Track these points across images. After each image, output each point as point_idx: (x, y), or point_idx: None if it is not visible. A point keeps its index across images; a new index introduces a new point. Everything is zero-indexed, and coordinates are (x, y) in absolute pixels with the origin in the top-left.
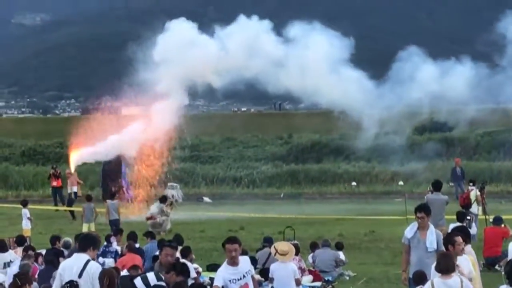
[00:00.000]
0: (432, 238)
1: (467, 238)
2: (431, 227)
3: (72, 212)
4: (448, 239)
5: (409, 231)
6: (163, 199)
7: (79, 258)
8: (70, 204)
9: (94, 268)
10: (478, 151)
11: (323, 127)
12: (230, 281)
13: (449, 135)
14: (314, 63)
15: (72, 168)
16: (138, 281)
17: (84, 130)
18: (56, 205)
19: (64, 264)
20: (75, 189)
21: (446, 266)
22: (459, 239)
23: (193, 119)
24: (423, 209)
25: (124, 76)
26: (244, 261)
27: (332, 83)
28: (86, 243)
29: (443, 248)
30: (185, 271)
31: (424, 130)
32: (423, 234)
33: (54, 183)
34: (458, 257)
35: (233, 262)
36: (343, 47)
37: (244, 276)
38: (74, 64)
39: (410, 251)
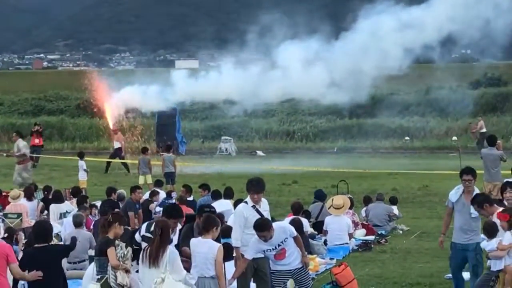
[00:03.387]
0: None
1: None
2: (477, 190)
3: (125, 165)
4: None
5: (454, 194)
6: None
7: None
8: (113, 157)
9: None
10: None
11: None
12: (264, 251)
13: (505, 90)
14: None
15: (111, 124)
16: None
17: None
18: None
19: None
20: (118, 145)
21: None
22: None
23: None
24: (471, 172)
25: (179, 29)
26: (278, 233)
27: None
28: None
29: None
30: (176, 213)
31: (479, 85)
32: (468, 198)
33: (36, 141)
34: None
35: (265, 240)
36: None
37: (278, 246)
38: (129, 17)
39: (452, 214)
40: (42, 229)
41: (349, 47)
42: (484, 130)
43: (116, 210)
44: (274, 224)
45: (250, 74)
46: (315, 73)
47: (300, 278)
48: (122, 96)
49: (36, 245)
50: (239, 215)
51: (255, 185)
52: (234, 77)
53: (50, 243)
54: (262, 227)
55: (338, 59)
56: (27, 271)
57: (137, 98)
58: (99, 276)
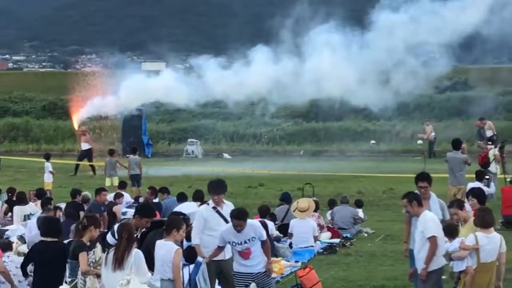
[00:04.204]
0: (435, 207)
1: (481, 199)
2: (433, 196)
3: (92, 167)
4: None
5: None
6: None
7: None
8: (81, 159)
9: None
10: (498, 110)
11: None
12: (231, 243)
13: (470, 94)
14: None
15: (76, 125)
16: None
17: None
18: None
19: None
20: (86, 146)
21: (487, 220)
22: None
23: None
24: (426, 178)
25: (146, 31)
26: (248, 230)
27: None
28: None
29: (448, 217)
30: (149, 212)
31: (445, 89)
32: (425, 204)
33: None
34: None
35: (238, 231)
36: None
37: (245, 242)
38: (96, 19)
39: (411, 221)
40: (53, 224)
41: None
42: (433, 134)
43: (91, 213)
44: (248, 220)
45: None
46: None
47: (262, 282)
48: (94, 100)
49: (44, 239)
50: (198, 216)
51: (216, 187)
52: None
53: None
54: (240, 215)
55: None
56: (32, 264)
57: (110, 101)
58: (69, 279)
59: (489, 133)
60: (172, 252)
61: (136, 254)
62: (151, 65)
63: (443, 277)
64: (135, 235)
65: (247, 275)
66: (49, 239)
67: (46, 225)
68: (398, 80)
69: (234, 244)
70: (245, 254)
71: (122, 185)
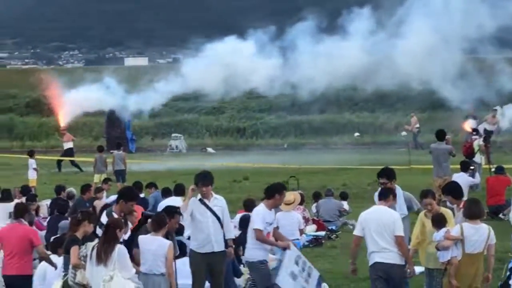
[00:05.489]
0: (401, 202)
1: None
2: (399, 190)
3: (76, 164)
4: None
5: (375, 196)
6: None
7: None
8: (67, 156)
9: None
10: None
11: None
12: (267, 223)
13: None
14: None
15: (62, 123)
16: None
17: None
18: None
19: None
20: (70, 145)
21: (474, 211)
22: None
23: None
24: (385, 174)
25: (126, 26)
26: (272, 214)
27: None
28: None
29: (416, 207)
30: (133, 195)
31: None
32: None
33: None
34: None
35: (275, 206)
36: None
37: (270, 224)
38: (77, 15)
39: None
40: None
41: None
42: (417, 125)
43: (85, 208)
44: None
45: None
46: None
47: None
48: (78, 96)
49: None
50: (188, 209)
51: (202, 178)
52: None
53: None
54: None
55: None
56: None
57: (93, 97)
58: (63, 274)
59: (474, 124)
60: (165, 247)
61: (119, 250)
62: (134, 60)
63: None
64: (118, 230)
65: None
66: None
67: None
68: None
69: (267, 224)
70: (267, 234)
71: (106, 181)
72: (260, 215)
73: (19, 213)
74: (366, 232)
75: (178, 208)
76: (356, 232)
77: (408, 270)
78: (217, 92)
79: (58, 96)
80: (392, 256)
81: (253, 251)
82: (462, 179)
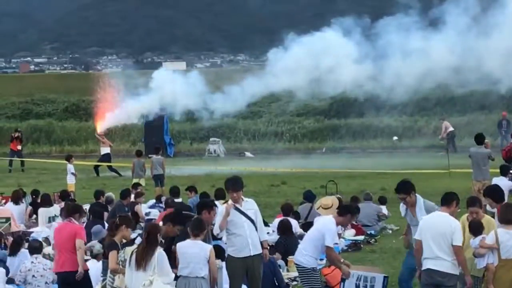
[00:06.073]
0: (422, 213)
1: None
2: (419, 201)
3: (114, 169)
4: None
5: (402, 209)
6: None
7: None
8: (104, 161)
9: None
10: None
11: None
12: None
13: (494, 88)
14: None
15: (98, 130)
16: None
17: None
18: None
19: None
20: (107, 150)
21: (509, 216)
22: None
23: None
24: (401, 190)
25: (165, 31)
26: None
27: None
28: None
29: None
30: (180, 220)
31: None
32: (413, 211)
33: (19, 147)
34: None
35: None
36: None
37: None
38: (115, 20)
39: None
40: None
41: None
42: (451, 129)
43: (123, 213)
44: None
45: None
46: None
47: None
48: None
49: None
50: (219, 214)
51: (233, 184)
52: None
53: None
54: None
55: None
56: None
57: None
58: (102, 278)
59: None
60: (207, 251)
61: (159, 255)
62: (173, 65)
63: None
64: (158, 234)
65: None
66: None
67: None
68: None
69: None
70: None
71: (135, 186)
72: (334, 231)
73: (69, 212)
74: (423, 237)
75: (213, 200)
76: (416, 236)
77: (466, 281)
78: (306, 93)
79: (99, 101)
80: (446, 265)
81: (309, 258)
82: (502, 183)
